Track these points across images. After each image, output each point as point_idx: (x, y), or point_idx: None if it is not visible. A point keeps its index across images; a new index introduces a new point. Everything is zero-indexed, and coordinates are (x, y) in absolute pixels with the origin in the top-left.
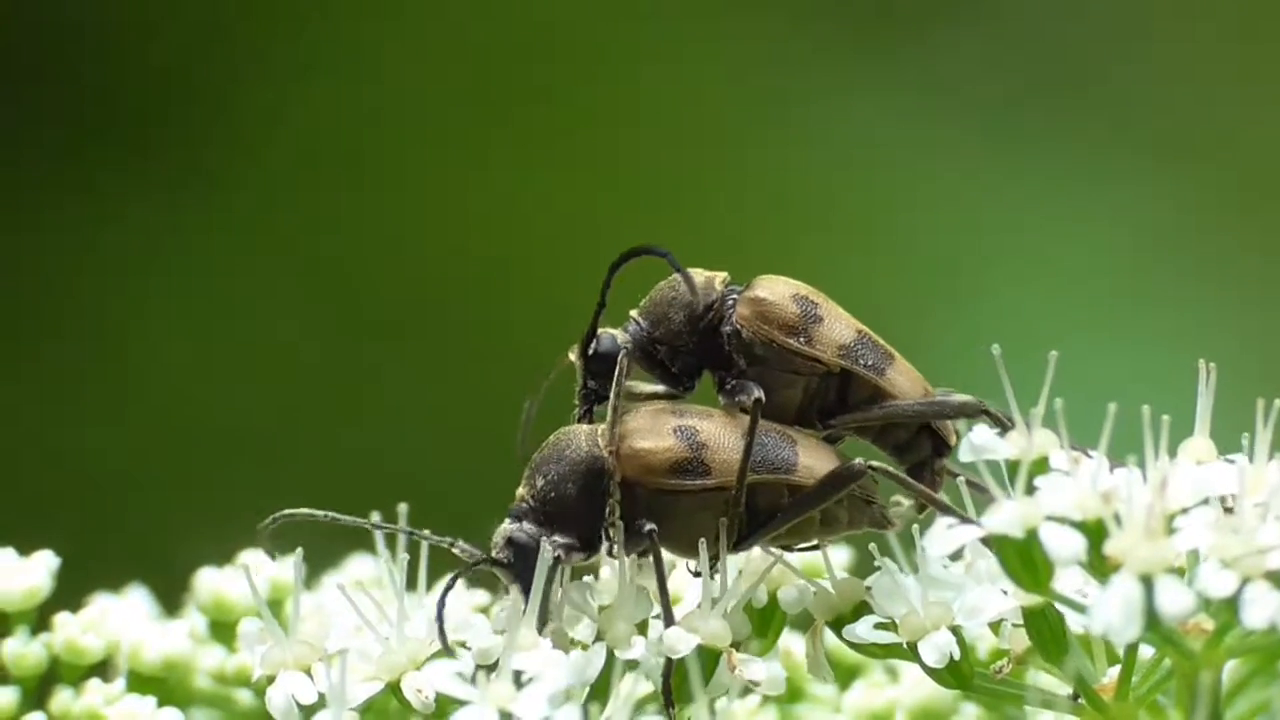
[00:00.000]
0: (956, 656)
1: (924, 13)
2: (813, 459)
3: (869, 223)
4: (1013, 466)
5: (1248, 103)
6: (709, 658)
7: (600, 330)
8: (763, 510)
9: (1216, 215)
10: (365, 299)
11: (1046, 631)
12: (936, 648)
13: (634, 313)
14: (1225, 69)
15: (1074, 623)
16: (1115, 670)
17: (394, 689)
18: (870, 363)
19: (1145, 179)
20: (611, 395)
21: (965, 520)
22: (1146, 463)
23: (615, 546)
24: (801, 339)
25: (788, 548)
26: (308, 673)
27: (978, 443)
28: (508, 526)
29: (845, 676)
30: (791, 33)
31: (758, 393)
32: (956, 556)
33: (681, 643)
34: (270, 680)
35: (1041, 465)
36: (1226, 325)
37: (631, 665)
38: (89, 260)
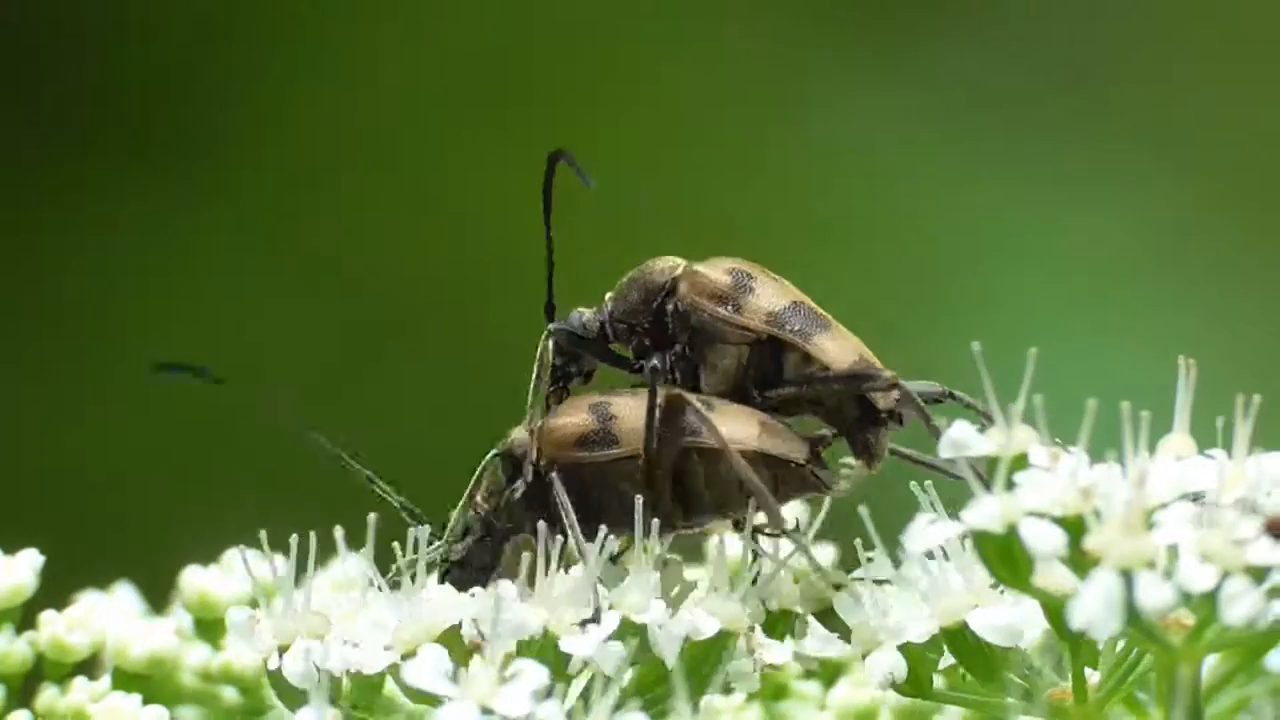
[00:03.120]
0: (900, 678)
1: (926, 13)
2: (728, 423)
3: (870, 221)
4: (992, 463)
5: (1247, 103)
6: (720, 643)
7: (578, 309)
8: (686, 480)
9: (1215, 215)
10: (362, 299)
11: (969, 651)
12: (880, 669)
13: (609, 294)
14: (1225, 69)
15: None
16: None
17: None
18: (796, 328)
19: (1145, 179)
20: (533, 378)
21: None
22: (1126, 458)
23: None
24: (729, 307)
25: (738, 524)
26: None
27: (957, 438)
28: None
29: (830, 674)
30: (792, 33)
31: (654, 360)
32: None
33: (705, 625)
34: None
35: (1022, 461)
36: (1226, 324)
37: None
38: (83, 259)
